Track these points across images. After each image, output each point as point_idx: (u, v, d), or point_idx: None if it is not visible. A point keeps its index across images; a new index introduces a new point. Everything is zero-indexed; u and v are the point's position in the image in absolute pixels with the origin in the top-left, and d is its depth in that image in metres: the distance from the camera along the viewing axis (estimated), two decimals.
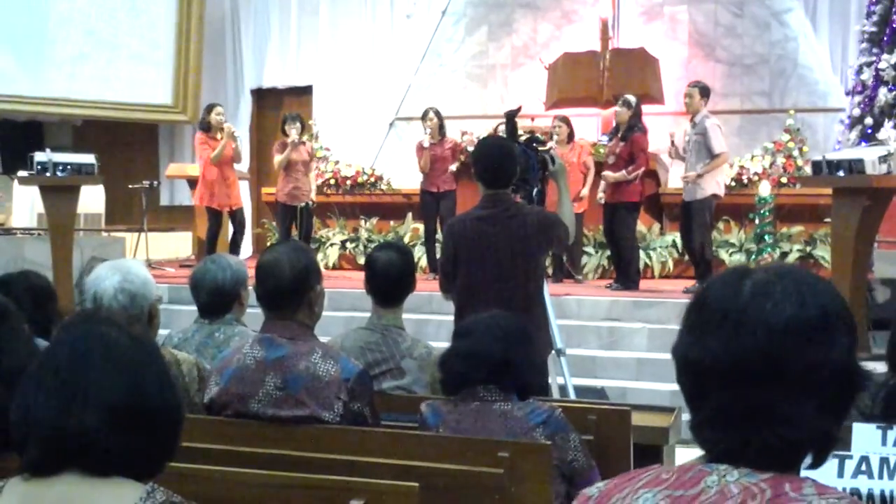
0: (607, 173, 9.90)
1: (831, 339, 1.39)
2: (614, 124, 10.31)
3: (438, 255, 10.97)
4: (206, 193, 10.98)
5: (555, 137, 10.41)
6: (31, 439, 1.64)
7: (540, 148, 5.35)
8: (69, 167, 8.93)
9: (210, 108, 11.13)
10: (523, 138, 5.56)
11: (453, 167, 10.81)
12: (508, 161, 4.80)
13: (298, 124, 10.94)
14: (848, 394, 1.42)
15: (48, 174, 8.85)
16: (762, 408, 1.37)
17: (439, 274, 5.01)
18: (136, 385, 1.66)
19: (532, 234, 4.71)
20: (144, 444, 1.66)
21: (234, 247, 11.11)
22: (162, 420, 1.69)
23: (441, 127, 10.92)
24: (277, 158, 10.86)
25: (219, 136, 10.80)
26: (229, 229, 11.36)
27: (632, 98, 9.97)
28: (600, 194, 10.07)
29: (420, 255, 11.10)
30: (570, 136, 10.59)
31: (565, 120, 10.64)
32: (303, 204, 10.85)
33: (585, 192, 10.24)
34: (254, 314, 3.51)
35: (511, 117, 5.68)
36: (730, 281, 1.45)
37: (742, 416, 1.39)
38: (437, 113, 10.92)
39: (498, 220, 4.72)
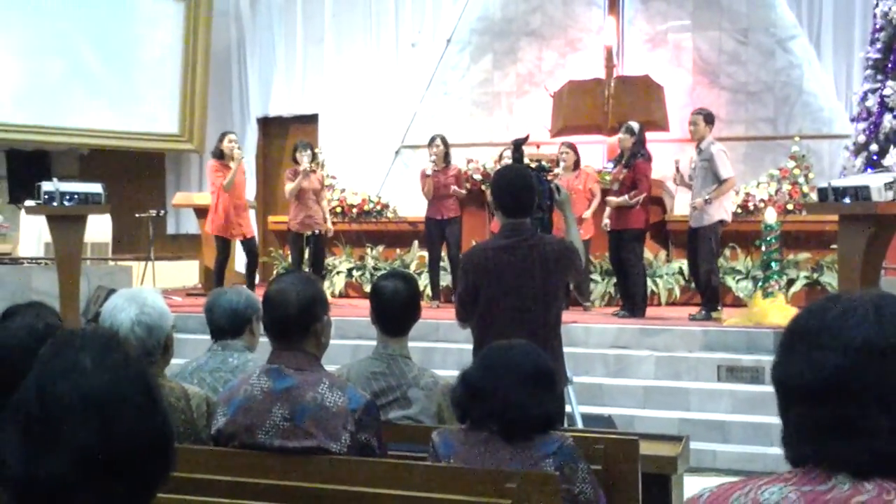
0: (611, 198, 9.95)
1: None
2: (619, 151, 10.34)
3: (441, 282, 11.05)
4: (217, 222, 10.94)
5: (561, 164, 10.43)
6: (5, 485, 1.52)
7: (547, 177, 5.37)
8: (76, 196, 8.94)
9: (223, 136, 11.15)
10: (532, 166, 5.58)
11: (455, 188, 10.73)
12: (529, 190, 4.79)
13: (309, 152, 10.96)
14: None
15: (55, 204, 8.86)
16: (839, 422, 1.44)
17: (456, 303, 4.96)
18: (108, 427, 1.51)
19: (553, 264, 4.69)
20: (125, 485, 1.53)
21: (250, 276, 11.11)
22: (142, 459, 1.55)
23: (446, 155, 10.92)
24: (289, 186, 10.85)
25: (231, 164, 10.83)
26: (236, 259, 11.36)
27: (635, 125, 10.01)
28: (605, 221, 10.08)
29: (427, 282, 11.09)
30: (577, 164, 10.58)
31: (572, 147, 10.62)
32: (309, 232, 10.84)
33: (588, 214, 10.20)
34: (266, 343, 3.51)
35: (519, 145, 5.70)
36: (820, 305, 1.54)
37: (821, 430, 1.45)
38: (444, 140, 10.91)
39: (519, 250, 4.69)
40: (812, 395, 1.46)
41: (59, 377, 1.53)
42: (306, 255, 10.95)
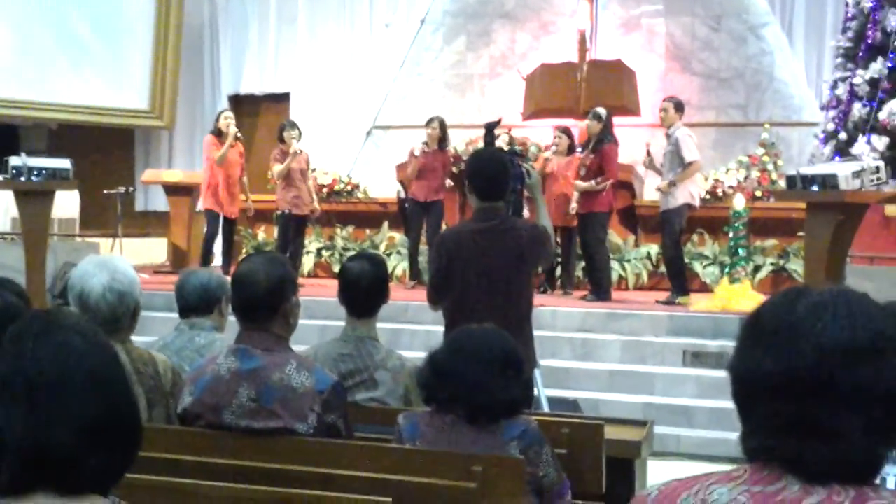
0: (578, 182, 9.97)
1: (882, 362, 1.41)
2: (587, 137, 10.36)
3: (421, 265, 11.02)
4: (209, 196, 10.95)
5: (554, 148, 10.43)
6: (3, 458, 1.58)
7: (518, 160, 5.38)
8: (44, 172, 8.86)
9: (219, 115, 11.24)
10: (504, 150, 5.60)
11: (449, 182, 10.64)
12: (503, 174, 4.78)
13: (297, 131, 10.81)
14: None
15: (23, 178, 8.78)
16: (807, 421, 1.41)
17: (428, 286, 4.96)
18: (108, 401, 1.61)
19: (526, 249, 4.70)
20: (116, 459, 1.63)
21: (227, 257, 11.08)
22: (130, 435, 1.65)
23: (442, 139, 10.75)
24: (278, 168, 10.68)
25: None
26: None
27: (602, 111, 10.02)
28: (574, 205, 10.09)
29: (397, 263, 11.05)
30: (571, 148, 10.55)
31: (566, 131, 10.61)
32: (279, 212, 10.78)
33: (575, 206, 10.16)
34: (234, 324, 3.51)
35: (491, 128, 5.71)
36: (785, 300, 1.50)
37: (787, 427, 1.43)
38: (442, 124, 10.74)
39: (493, 234, 4.69)
40: (780, 391, 1.43)
41: (58, 353, 1.61)
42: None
